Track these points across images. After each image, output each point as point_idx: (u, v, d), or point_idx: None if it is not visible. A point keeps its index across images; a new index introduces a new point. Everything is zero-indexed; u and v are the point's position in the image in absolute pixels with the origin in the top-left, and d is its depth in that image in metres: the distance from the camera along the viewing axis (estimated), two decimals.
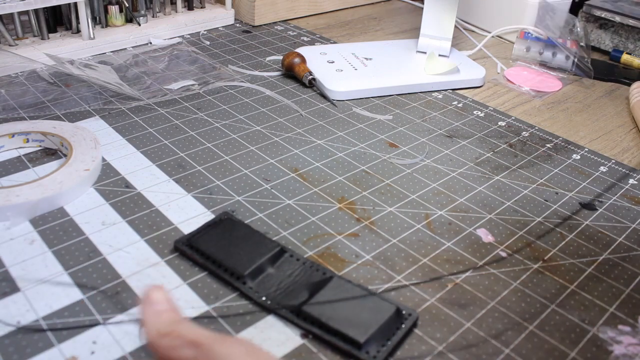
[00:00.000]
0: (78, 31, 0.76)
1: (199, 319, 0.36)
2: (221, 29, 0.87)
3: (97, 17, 0.78)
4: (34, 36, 0.74)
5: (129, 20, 0.80)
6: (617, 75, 0.78)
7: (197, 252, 0.41)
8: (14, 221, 0.43)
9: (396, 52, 0.78)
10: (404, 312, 0.37)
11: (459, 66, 0.73)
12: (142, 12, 0.81)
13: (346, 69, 0.71)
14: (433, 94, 0.70)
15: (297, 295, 0.38)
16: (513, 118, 0.65)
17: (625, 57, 0.82)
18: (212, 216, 0.46)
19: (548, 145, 0.60)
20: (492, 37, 0.88)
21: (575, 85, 0.75)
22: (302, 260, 0.41)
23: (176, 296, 0.38)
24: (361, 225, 0.46)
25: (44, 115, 0.59)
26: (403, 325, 0.36)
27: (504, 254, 0.44)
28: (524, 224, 0.47)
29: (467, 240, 0.45)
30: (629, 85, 0.74)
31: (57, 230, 0.43)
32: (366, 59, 0.75)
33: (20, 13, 0.72)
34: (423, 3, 0.77)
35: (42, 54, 0.69)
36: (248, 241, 0.41)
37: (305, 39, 0.85)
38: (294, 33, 0.87)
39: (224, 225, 0.43)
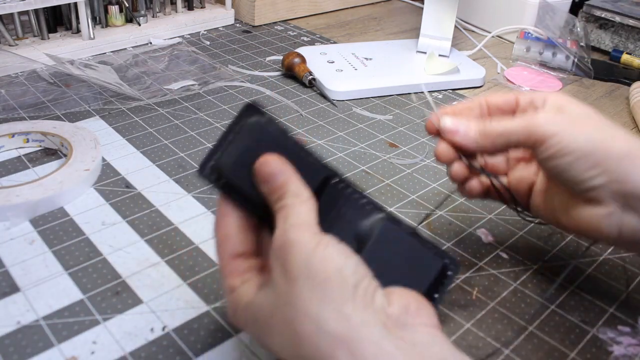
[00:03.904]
0: (78, 31, 0.76)
1: (199, 319, 0.36)
2: (221, 29, 0.87)
3: (97, 17, 0.78)
4: (34, 36, 0.74)
5: (129, 20, 0.80)
6: (617, 75, 0.78)
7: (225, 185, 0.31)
8: (14, 221, 0.43)
9: (396, 52, 0.78)
10: (447, 262, 0.33)
11: (459, 66, 0.73)
12: (142, 12, 0.81)
13: (346, 69, 0.71)
14: (433, 94, 0.70)
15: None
16: None
17: (625, 57, 0.82)
18: (212, 216, 0.45)
19: None
20: (492, 37, 0.88)
21: (575, 85, 0.75)
22: (350, 188, 0.33)
23: (176, 296, 0.38)
24: None
25: (44, 115, 0.59)
26: (446, 280, 0.33)
27: (504, 255, 0.44)
28: (524, 224, 0.47)
29: (467, 240, 0.45)
30: (629, 85, 0.74)
31: (57, 230, 0.43)
32: (366, 59, 0.75)
33: (20, 13, 0.72)
34: (423, 3, 0.77)
35: (42, 54, 0.69)
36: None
37: (305, 39, 0.85)
38: (294, 33, 0.87)
39: (257, 141, 0.32)
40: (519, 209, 0.41)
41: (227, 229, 0.31)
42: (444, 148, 0.38)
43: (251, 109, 0.33)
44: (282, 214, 0.29)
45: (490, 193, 0.40)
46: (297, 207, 0.29)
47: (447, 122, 0.37)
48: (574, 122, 0.34)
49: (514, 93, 0.37)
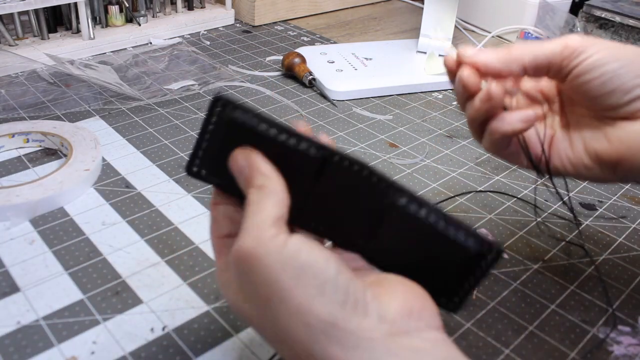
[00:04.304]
0: (78, 31, 0.76)
1: (199, 319, 0.36)
2: (221, 29, 0.87)
3: (97, 17, 0.78)
4: (34, 36, 0.74)
5: (129, 20, 0.80)
6: None
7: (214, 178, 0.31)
8: (14, 221, 0.43)
9: (396, 52, 0.78)
10: (482, 250, 0.28)
11: None
12: (142, 12, 0.81)
13: (346, 69, 0.71)
14: (433, 94, 0.70)
15: (348, 232, 0.29)
16: None
17: None
18: None
19: None
20: (492, 37, 0.88)
21: None
22: (357, 166, 0.28)
23: (176, 296, 0.38)
24: None
25: (44, 115, 0.59)
26: (483, 263, 0.28)
27: (504, 255, 0.44)
28: (524, 224, 0.47)
29: None
30: None
31: (57, 230, 0.43)
32: (366, 59, 0.75)
33: (20, 13, 0.72)
34: (423, 3, 0.77)
35: (42, 54, 0.69)
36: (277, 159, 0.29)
37: (305, 39, 0.85)
38: (294, 33, 0.87)
39: (231, 134, 0.29)
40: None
41: (217, 214, 0.31)
42: (469, 72, 0.34)
43: (219, 102, 0.29)
44: (245, 212, 0.27)
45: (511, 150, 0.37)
46: (258, 203, 0.27)
47: (466, 50, 0.35)
48: (607, 43, 0.33)
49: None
